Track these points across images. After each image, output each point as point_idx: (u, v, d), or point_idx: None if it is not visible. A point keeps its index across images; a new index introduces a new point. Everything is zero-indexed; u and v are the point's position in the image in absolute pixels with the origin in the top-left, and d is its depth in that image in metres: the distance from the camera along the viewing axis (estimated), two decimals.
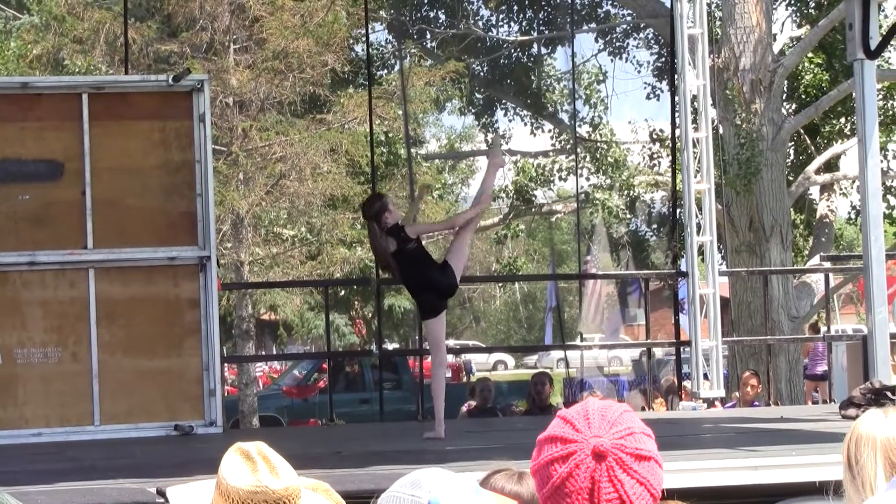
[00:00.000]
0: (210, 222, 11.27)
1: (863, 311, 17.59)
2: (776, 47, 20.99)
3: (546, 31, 26.23)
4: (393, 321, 34.33)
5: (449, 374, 35.11)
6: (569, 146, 25.86)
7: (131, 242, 11.13)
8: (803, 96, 21.89)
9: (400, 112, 22.97)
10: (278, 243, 24.72)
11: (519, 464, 3.32)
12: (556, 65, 27.66)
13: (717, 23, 20.50)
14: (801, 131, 22.07)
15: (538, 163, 26.33)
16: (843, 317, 36.89)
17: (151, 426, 11.02)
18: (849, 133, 21.77)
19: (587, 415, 2.51)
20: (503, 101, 27.29)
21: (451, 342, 45.86)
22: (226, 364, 21.73)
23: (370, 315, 33.19)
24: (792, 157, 22.80)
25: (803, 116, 20.78)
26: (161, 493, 6.31)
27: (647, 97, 26.38)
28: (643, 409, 15.36)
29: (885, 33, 11.94)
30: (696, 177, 13.56)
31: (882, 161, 21.22)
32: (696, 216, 13.52)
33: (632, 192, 25.06)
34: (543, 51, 26.96)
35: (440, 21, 26.19)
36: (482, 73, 26.91)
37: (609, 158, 25.13)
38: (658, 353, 23.11)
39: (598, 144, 25.49)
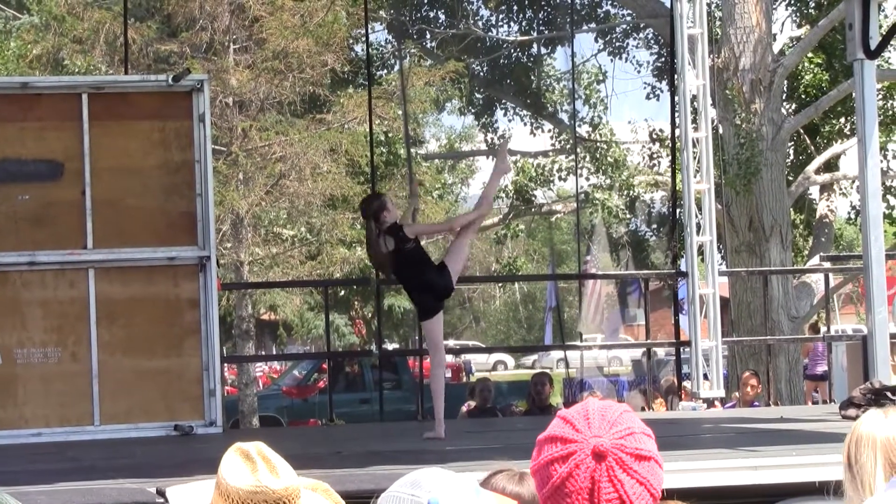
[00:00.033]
0: (210, 222, 11.27)
1: (863, 311, 17.60)
2: (776, 47, 20.99)
3: (546, 31, 26.23)
4: (393, 321, 34.35)
5: (449, 375, 35.13)
6: (568, 146, 25.86)
7: (131, 242, 11.13)
8: (803, 96, 21.89)
9: (400, 112, 22.97)
10: (278, 243, 24.72)
11: (519, 464, 3.32)
12: (556, 65, 27.70)
13: (717, 23, 20.50)
14: (801, 131, 22.07)
15: (538, 163, 26.33)
16: (842, 317, 36.92)
17: (151, 426, 11.02)
18: (848, 133, 21.78)
19: (587, 415, 2.52)
20: (503, 101, 27.29)
21: (451, 342, 45.88)
22: (226, 364, 21.74)
23: (370, 315, 33.20)
24: (792, 157, 22.81)
25: (803, 116, 20.79)
26: (161, 493, 6.31)
27: (647, 97, 26.41)
28: (643, 409, 15.36)
29: (884, 33, 11.94)
30: (695, 177, 13.56)
31: (882, 161, 21.22)
32: (696, 216, 13.52)
33: (631, 192, 25.06)
34: (543, 51, 26.98)
35: (440, 21, 26.19)
36: (482, 73, 26.91)
37: (609, 158, 25.13)
38: (660, 353, 23.12)
39: (598, 144, 25.49)
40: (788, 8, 23.67)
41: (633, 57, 27.84)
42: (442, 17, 26.23)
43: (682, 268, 14.23)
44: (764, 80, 19.44)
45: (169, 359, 11.16)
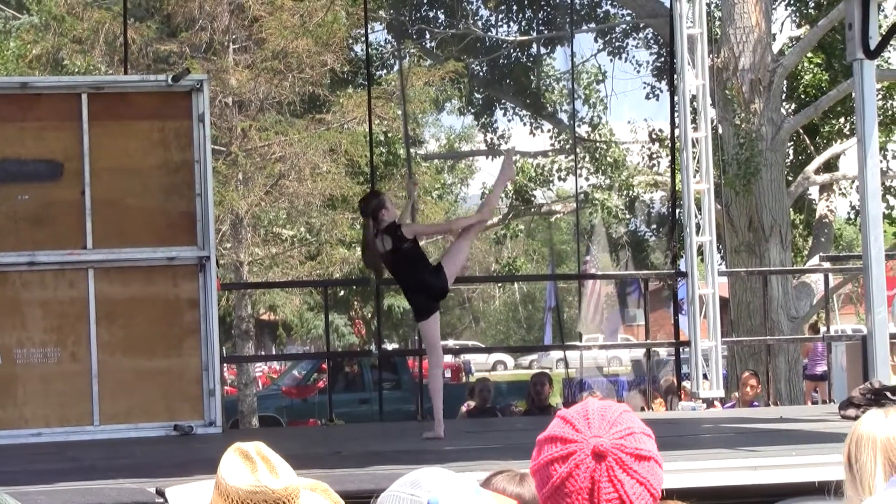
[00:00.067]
0: (209, 222, 11.27)
1: (862, 311, 17.60)
2: (775, 47, 21.00)
3: (545, 31, 26.23)
4: (392, 321, 34.34)
5: (448, 375, 35.13)
6: (568, 146, 25.86)
7: (131, 242, 11.13)
8: (803, 96, 21.89)
9: (399, 112, 22.97)
10: (278, 243, 24.71)
11: (518, 464, 3.32)
12: (556, 65, 27.70)
13: (717, 23, 20.50)
14: (801, 131, 22.07)
15: (537, 163, 26.32)
16: (842, 317, 36.93)
17: (151, 426, 11.02)
18: (848, 133, 21.78)
19: (587, 415, 2.52)
20: (502, 101, 27.29)
21: (451, 342, 45.89)
22: (225, 364, 21.73)
23: (369, 315, 33.20)
24: (791, 157, 22.81)
25: (803, 116, 20.79)
26: (160, 493, 6.31)
27: (647, 97, 26.42)
28: (642, 409, 15.36)
29: (884, 33, 11.95)
30: (695, 177, 13.56)
31: (881, 161, 21.22)
32: (696, 216, 13.52)
33: (631, 192, 25.06)
34: (543, 51, 26.98)
35: (439, 21, 26.19)
36: (481, 73, 26.91)
37: (608, 158, 25.12)
38: (662, 353, 23.11)
39: (598, 144, 25.49)
40: (788, 8, 23.68)
41: (633, 57, 27.87)
42: (441, 17, 26.23)
43: (682, 268, 14.23)
44: (763, 80, 19.44)
45: (169, 359, 11.16)
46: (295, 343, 40.38)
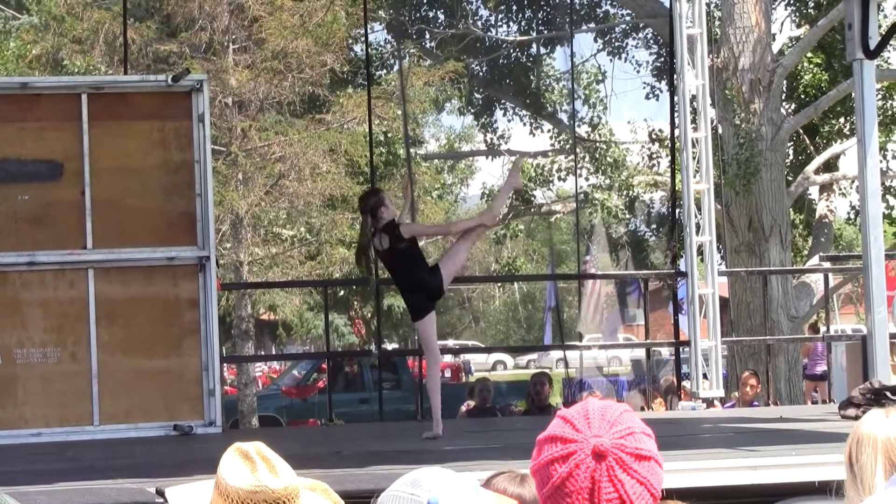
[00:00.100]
0: (209, 222, 11.27)
1: (862, 311, 17.60)
2: (775, 47, 21.00)
3: (545, 31, 26.23)
4: (392, 321, 34.33)
5: (448, 375, 35.12)
6: (568, 146, 25.86)
7: (131, 242, 11.13)
8: (802, 96, 21.90)
9: (399, 112, 22.97)
10: (277, 243, 24.72)
11: (518, 464, 3.32)
12: (556, 65, 27.70)
13: (717, 22, 20.50)
14: (801, 131, 22.07)
15: (537, 163, 26.33)
16: (842, 317, 36.93)
17: (151, 426, 11.02)
18: (848, 133, 21.78)
19: (587, 414, 2.52)
20: (502, 101, 27.29)
21: (451, 342, 45.91)
22: (225, 364, 21.73)
23: (369, 315, 33.20)
24: (791, 157, 22.81)
25: (802, 116, 20.79)
26: (160, 493, 6.31)
27: (647, 97, 26.42)
28: (642, 409, 15.36)
29: (884, 33, 11.95)
30: (695, 177, 13.56)
31: (881, 161, 21.22)
32: (696, 216, 13.52)
33: (631, 192, 25.06)
34: (542, 51, 26.98)
35: (439, 21, 26.19)
36: (481, 73, 26.91)
37: (608, 158, 25.12)
38: (664, 352, 23.10)
39: (598, 144, 25.49)
40: (788, 8, 23.68)
41: (633, 57, 27.89)
42: (441, 17, 26.23)
43: (682, 268, 14.23)
44: (763, 79, 19.45)
45: (168, 359, 11.16)
46: (295, 343, 40.39)
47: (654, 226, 28.25)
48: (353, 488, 5.88)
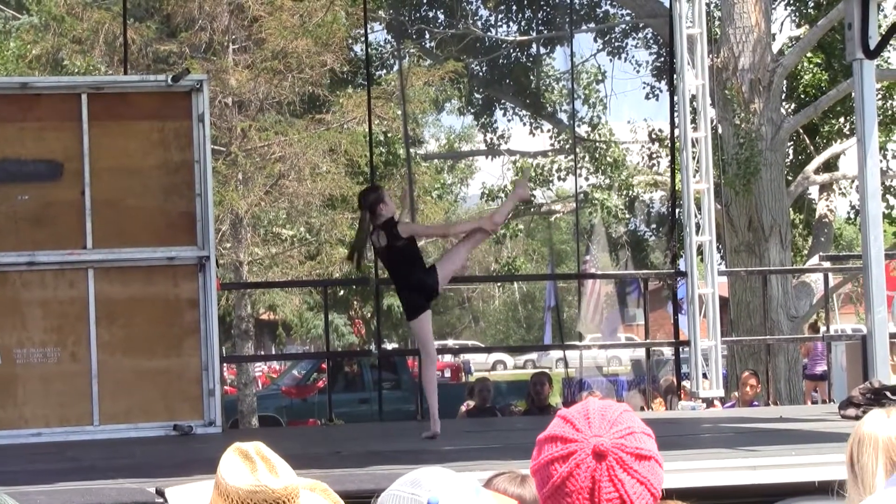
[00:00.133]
0: (209, 222, 11.27)
1: (862, 311, 17.60)
2: (775, 47, 21.00)
3: (545, 31, 26.24)
4: (392, 321, 34.31)
5: (448, 375, 35.11)
6: (568, 146, 25.87)
7: (131, 242, 11.13)
8: (802, 96, 21.90)
9: (399, 112, 22.97)
10: (277, 243, 24.73)
11: (518, 464, 3.32)
12: (555, 65, 27.70)
13: (716, 22, 20.50)
14: (801, 131, 22.07)
15: (537, 163, 26.34)
16: (842, 317, 36.92)
17: (150, 426, 11.02)
18: (848, 133, 21.78)
19: (587, 414, 2.52)
20: (502, 101, 27.30)
21: (451, 342, 45.90)
22: (225, 364, 21.73)
23: (369, 315, 33.19)
24: (791, 156, 22.81)
25: (802, 116, 20.79)
26: (160, 493, 6.31)
27: (646, 97, 26.42)
28: (642, 408, 15.36)
29: (884, 33, 11.95)
30: (695, 176, 13.56)
31: (881, 161, 21.23)
32: (695, 216, 13.52)
33: (631, 192, 25.06)
34: (542, 51, 26.99)
35: (439, 21, 26.19)
36: (481, 73, 26.92)
37: (608, 158, 25.13)
38: (666, 352, 23.12)
39: (597, 144, 25.49)
40: (787, 8, 23.68)
41: (633, 57, 27.87)
42: (441, 17, 26.24)
43: (682, 268, 14.23)
44: (763, 79, 19.45)
45: (168, 359, 11.16)
46: (295, 343, 40.38)
47: (653, 226, 28.25)
48: (353, 488, 5.88)
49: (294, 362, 29.32)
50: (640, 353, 22.21)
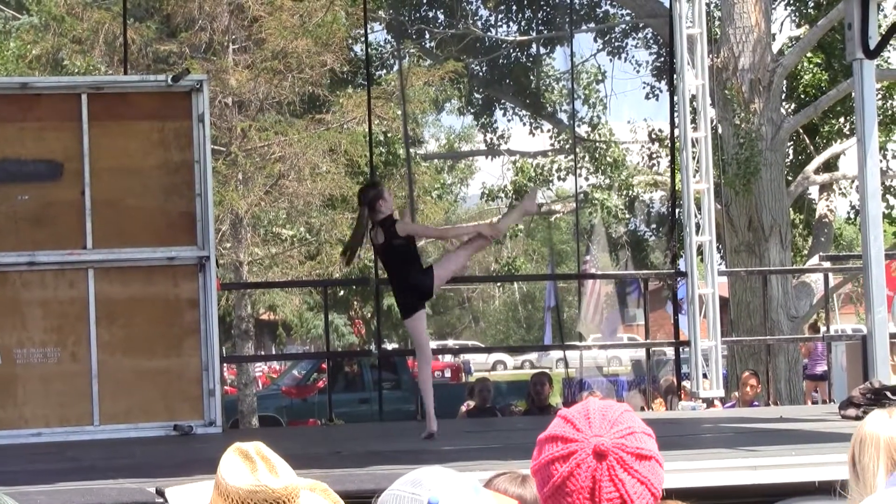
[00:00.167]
0: (209, 222, 11.27)
1: (862, 311, 17.60)
2: (775, 47, 21.00)
3: (545, 31, 26.24)
4: (392, 321, 34.29)
5: (448, 375, 35.11)
6: (568, 146, 25.87)
7: (131, 242, 11.13)
8: (802, 96, 21.90)
9: (399, 112, 22.97)
10: (277, 243, 24.73)
11: (518, 464, 3.32)
12: (555, 65, 27.71)
13: (716, 22, 20.50)
14: (801, 131, 22.07)
15: (537, 163, 26.34)
16: (842, 317, 36.93)
17: (151, 426, 11.02)
18: (848, 133, 21.78)
19: (588, 414, 2.52)
20: (502, 101, 27.30)
21: (451, 342, 45.89)
22: (225, 364, 21.74)
23: (369, 315, 33.20)
24: (791, 156, 22.81)
25: (802, 116, 20.79)
26: (160, 493, 6.31)
27: (646, 97, 26.43)
28: (642, 409, 15.36)
29: (884, 33, 11.95)
30: (695, 176, 13.56)
31: (881, 161, 21.22)
32: (696, 216, 13.52)
33: (631, 192, 25.06)
34: (542, 51, 27.00)
35: (439, 21, 26.20)
36: (481, 73, 26.92)
37: (608, 158, 25.13)
38: (667, 352, 23.13)
39: (597, 144, 25.49)
40: (787, 8, 23.68)
41: (633, 57, 27.88)
42: (441, 17, 26.24)
43: (682, 268, 14.23)
44: (763, 79, 19.45)
45: (168, 359, 11.16)
46: (295, 343, 40.39)
47: (653, 226, 28.25)
48: (353, 488, 5.88)
49: (294, 362, 29.33)
50: (641, 353, 22.22)
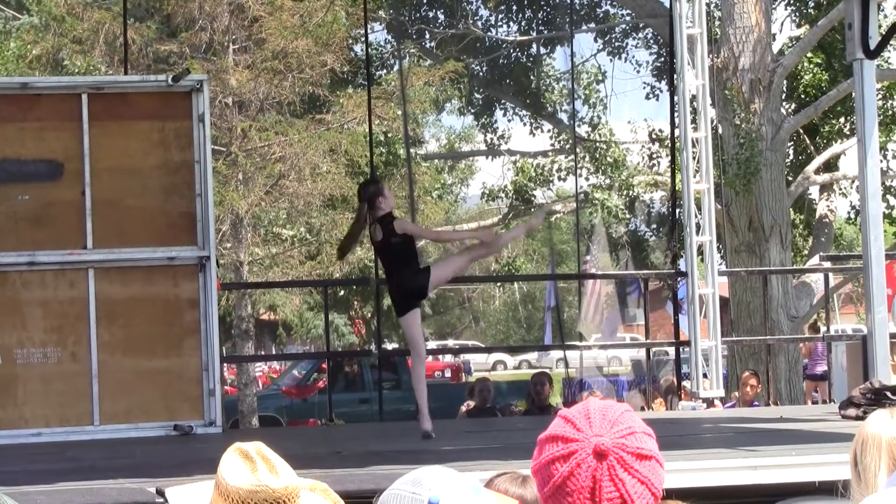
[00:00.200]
0: (209, 222, 11.27)
1: (862, 311, 17.60)
2: (775, 47, 20.99)
3: (545, 31, 26.24)
4: (392, 321, 34.25)
5: (448, 375, 35.11)
6: (568, 146, 25.87)
7: (131, 242, 11.13)
8: (802, 96, 21.89)
9: (399, 112, 22.98)
10: (278, 243, 24.73)
11: (518, 464, 3.32)
12: (556, 65, 27.71)
13: (717, 22, 20.50)
14: (801, 131, 22.07)
15: (537, 163, 26.34)
16: (842, 317, 36.94)
17: (151, 426, 11.01)
18: (848, 133, 21.78)
19: (588, 414, 2.52)
20: (502, 101, 27.30)
21: (451, 342, 45.89)
22: (225, 364, 21.73)
23: (369, 315, 33.19)
24: (791, 156, 22.81)
25: (803, 116, 20.78)
26: (160, 493, 6.31)
27: (647, 97, 26.43)
28: (642, 409, 15.36)
29: (884, 33, 11.95)
30: (695, 177, 13.56)
31: (881, 161, 21.21)
32: (696, 216, 13.52)
33: (631, 192, 25.06)
34: (542, 51, 27.00)
35: (439, 21, 26.20)
36: (481, 73, 26.92)
37: (608, 158, 25.13)
38: (671, 352, 23.13)
39: (598, 144, 25.49)
40: (788, 8, 23.68)
41: (633, 57, 27.89)
42: (441, 17, 26.24)
43: (682, 268, 14.23)
44: (763, 79, 19.44)
45: (168, 359, 11.16)
46: (295, 343, 40.39)
47: (654, 226, 28.25)
48: (353, 488, 5.88)
49: (294, 362, 29.33)
50: (641, 353, 22.22)
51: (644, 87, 26.49)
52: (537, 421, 11.79)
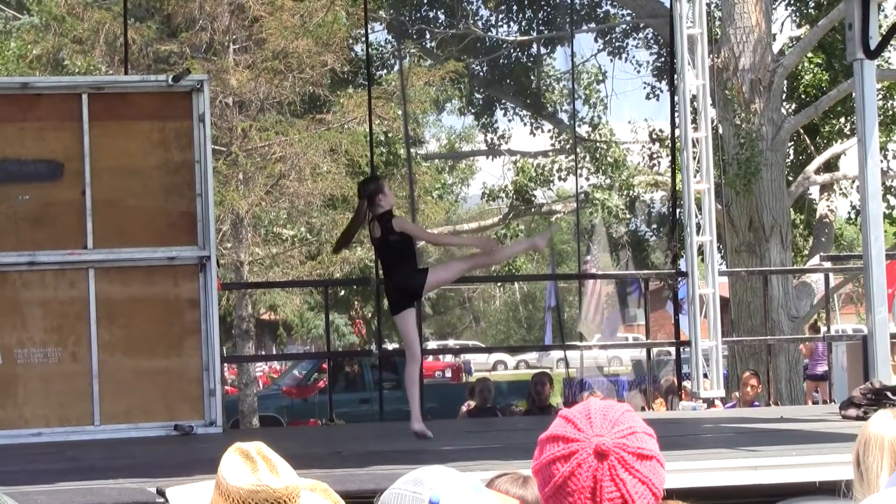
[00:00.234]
0: (210, 222, 11.27)
1: (863, 311, 17.60)
2: (776, 47, 20.99)
3: (545, 31, 26.25)
4: (392, 321, 34.33)
5: (448, 375, 35.11)
6: (568, 146, 25.88)
7: (131, 242, 11.13)
8: (803, 96, 21.89)
9: (399, 112, 22.98)
10: (278, 243, 24.73)
11: (519, 464, 3.32)
12: (556, 65, 27.73)
13: (717, 23, 20.50)
14: (801, 131, 22.07)
15: (537, 163, 26.35)
16: (843, 317, 36.94)
17: (151, 426, 11.01)
18: (848, 133, 21.78)
19: (589, 414, 2.51)
20: (503, 101, 27.31)
21: (451, 342, 45.89)
22: (225, 364, 21.73)
23: (370, 315, 33.20)
24: (792, 156, 22.81)
25: (803, 116, 20.78)
26: (161, 493, 6.31)
27: (647, 97, 26.44)
28: (643, 409, 15.36)
29: (884, 33, 11.94)
30: (695, 177, 13.55)
31: (882, 161, 21.21)
32: (696, 216, 13.51)
33: (631, 192, 25.07)
34: (543, 51, 27.01)
35: (440, 21, 26.20)
36: (482, 73, 26.92)
37: (609, 158, 25.14)
38: (672, 352, 23.14)
39: (598, 144, 25.50)
40: (788, 8, 23.68)
41: (633, 57, 27.92)
42: (442, 17, 26.25)
43: (682, 268, 14.23)
44: (764, 79, 19.44)
45: (169, 359, 11.16)
46: (295, 343, 40.39)
47: (654, 226, 28.27)
48: (353, 488, 5.88)
49: (295, 362, 29.33)
50: (641, 353, 22.22)
51: (644, 87, 26.53)
52: (538, 421, 11.79)
